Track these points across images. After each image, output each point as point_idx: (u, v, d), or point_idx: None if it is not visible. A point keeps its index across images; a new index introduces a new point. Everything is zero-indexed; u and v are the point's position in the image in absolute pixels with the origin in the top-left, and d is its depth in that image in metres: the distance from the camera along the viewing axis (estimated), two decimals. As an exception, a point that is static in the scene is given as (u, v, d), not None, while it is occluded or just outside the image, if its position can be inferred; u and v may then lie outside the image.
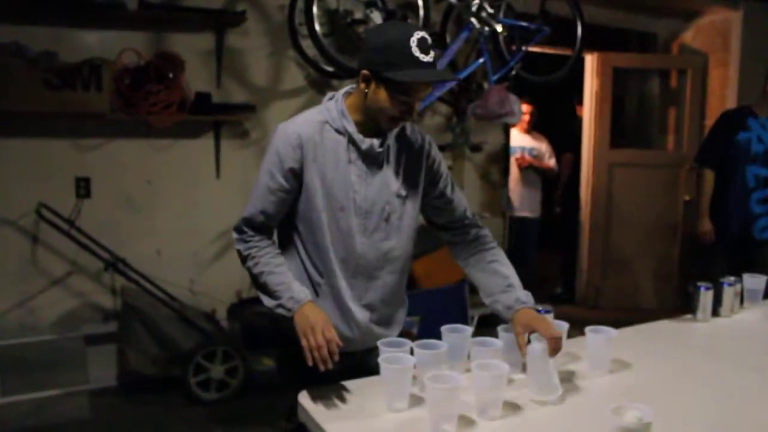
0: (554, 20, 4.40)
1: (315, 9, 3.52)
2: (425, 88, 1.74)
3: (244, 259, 1.85)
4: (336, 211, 1.79)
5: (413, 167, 1.89)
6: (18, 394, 3.41)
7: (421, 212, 1.97)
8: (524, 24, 4.26)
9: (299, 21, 3.82)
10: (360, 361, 1.87)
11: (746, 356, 2.11)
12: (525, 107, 5.20)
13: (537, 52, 4.85)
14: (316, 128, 1.79)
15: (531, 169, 5.38)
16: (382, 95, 1.72)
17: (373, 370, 1.68)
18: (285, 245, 1.91)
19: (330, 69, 4.10)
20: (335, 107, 1.82)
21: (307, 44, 3.88)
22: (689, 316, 2.44)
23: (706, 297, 2.41)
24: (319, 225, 1.80)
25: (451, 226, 2.01)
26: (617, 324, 2.02)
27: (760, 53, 4.06)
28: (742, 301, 2.57)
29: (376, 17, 3.72)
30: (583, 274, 5.88)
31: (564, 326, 1.92)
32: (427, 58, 1.67)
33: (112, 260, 3.64)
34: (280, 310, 1.76)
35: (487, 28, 4.05)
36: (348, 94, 1.86)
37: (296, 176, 1.78)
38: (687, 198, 5.50)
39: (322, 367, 1.64)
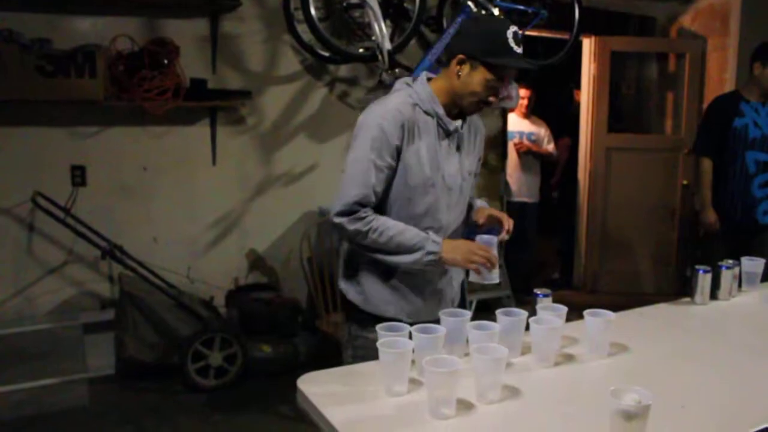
0: (552, 4, 4.37)
1: (311, -7, 3.50)
2: (513, 73, 1.98)
3: (364, 235, 1.90)
4: (428, 187, 1.95)
5: (476, 148, 2.11)
6: (15, 383, 3.40)
7: None
8: (521, 7, 4.24)
9: (295, 6, 3.80)
10: None
11: (744, 339, 2.12)
12: (523, 92, 5.18)
13: (534, 36, 4.82)
14: (411, 109, 1.93)
15: (529, 154, 5.37)
16: (476, 78, 1.89)
17: None
18: None
19: (326, 54, 4.08)
20: (424, 90, 1.96)
21: (303, 29, 3.86)
22: (687, 299, 2.44)
23: (704, 280, 2.41)
24: (413, 199, 1.95)
25: None
26: (616, 308, 2.01)
27: (759, 37, 4.03)
28: (740, 285, 2.57)
29: (372, 1, 3.69)
30: (581, 259, 5.89)
31: (562, 310, 1.92)
32: (519, 50, 1.88)
33: (108, 248, 3.62)
34: (429, 257, 1.90)
35: (483, 11, 4.03)
36: (428, 80, 1.99)
37: (399, 154, 1.91)
38: (685, 182, 5.49)
39: (493, 274, 1.92)
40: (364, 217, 1.89)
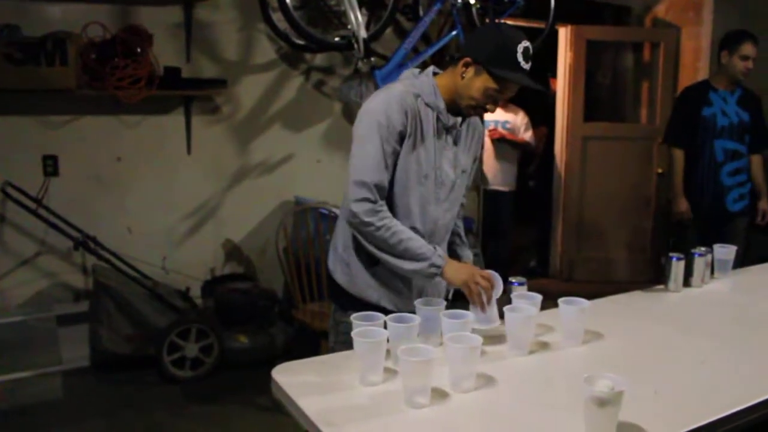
0: (528, -8, 4.37)
1: (285, -19, 3.47)
2: (514, 89, 1.93)
3: (376, 229, 1.87)
4: (421, 179, 1.95)
5: (473, 147, 2.10)
6: (-12, 376, 3.36)
7: None
8: (497, -4, 4.23)
9: (269, -7, 3.76)
10: None
11: (716, 325, 2.15)
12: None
13: (510, 25, 4.82)
14: (413, 99, 1.92)
15: (504, 143, 5.36)
16: (478, 84, 1.89)
17: None
18: None
19: (301, 42, 4.05)
20: (428, 83, 1.96)
21: (278, 17, 3.82)
22: (661, 286, 2.47)
23: (677, 267, 2.44)
24: (408, 190, 1.95)
25: None
26: (591, 296, 2.03)
27: (731, 26, 4.08)
28: (712, 272, 2.60)
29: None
30: (558, 247, 5.93)
31: (538, 298, 1.93)
32: (526, 66, 1.88)
33: (81, 239, 3.58)
34: (432, 269, 1.88)
35: (459, 1, 4.02)
36: (435, 74, 1.99)
37: (402, 140, 1.91)
38: (660, 171, 5.54)
39: (485, 310, 1.84)
40: (379, 211, 1.87)
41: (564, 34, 5.63)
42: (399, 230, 1.88)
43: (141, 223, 3.99)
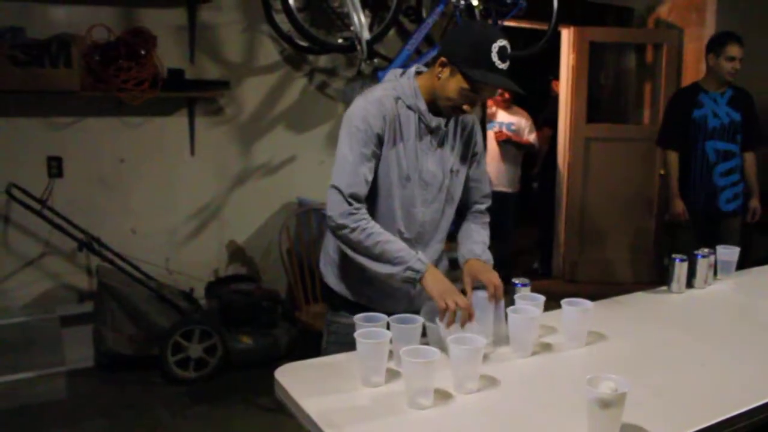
0: (530, -6, 4.37)
1: (288, -18, 3.48)
2: (491, 91, 1.94)
3: (350, 231, 1.85)
4: (403, 181, 1.93)
5: (464, 146, 2.05)
6: (-7, 376, 3.37)
7: None
8: (500, -3, 4.23)
9: (272, -5, 3.77)
10: None
11: (719, 327, 2.15)
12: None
13: (513, 26, 4.83)
14: (392, 102, 1.90)
15: (509, 144, 5.37)
16: (453, 85, 1.85)
17: None
18: None
19: (304, 44, 4.05)
20: (408, 84, 1.93)
21: (281, 19, 3.83)
22: (664, 288, 2.47)
23: (680, 269, 2.43)
24: (389, 193, 1.93)
25: (463, 207, 2.15)
26: (594, 297, 2.03)
27: (734, 27, 4.09)
28: (715, 273, 2.60)
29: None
30: (560, 249, 5.93)
31: (540, 299, 1.93)
32: (502, 66, 1.82)
33: (86, 240, 3.59)
34: (408, 273, 1.82)
35: (462, 2, 4.03)
36: (418, 73, 1.97)
37: (381, 144, 1.89)
38: (662, 172, 5.53)
39: (451, 328, 1.73)
40: (353, 214, 1.84)
41: (567, 35, 5.64)
42: (376, 232, 1.84)
43: (145, 224, 4.00)
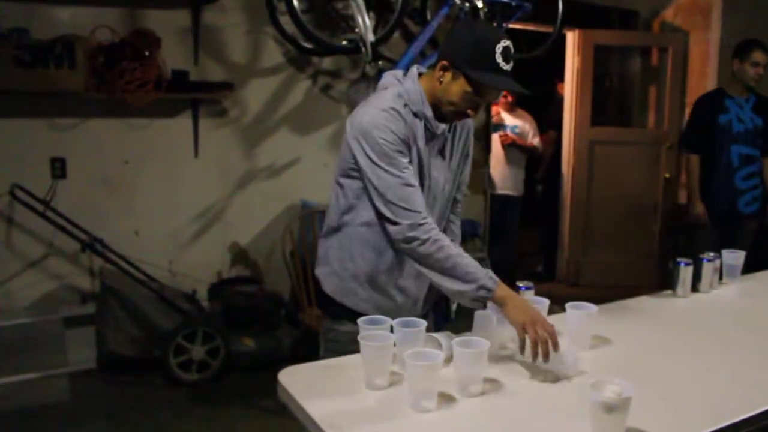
0: (535, -3, 4.37)
1: (293, -16, 3.47)
2: (496, 94, 1.88)
3: (421, 243, 1.76)
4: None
5: (460, 151, 2.00)
6: (-4, 378, 3.37)
7: None
8: (505, 0, 4.23)
9: (277, -3, 3.76)
10: None
11: (724, 331, 2.13)
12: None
13: (518, 29, 4.82)
14: (403, 110, 1.83)
15: (514, 147, 5.36)
16: (455, 89, 1.79)
17: None
18: (363, 216, 1.90)
19: (309, 46, 4.05)
20: (415, 90, 1.85)
21: (285, 20, 3.82)
22: (669, 291, 2.45)
23: (685, 273, 2.42)
24: None
25: None
26: (598, 301, 2.01)
27: (740, 30, 4.13)
28: (721, 277, 2.59)
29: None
30: (564, 252, 5.91)
31: (545, 303, 1.92)
32: (507, 67, 1.75)
33: (89, 241, 3.59)
34: (481, 292, 1.73)
35: (467, 5, 4.02)
36: (419, 75, 1.89)
37: (409, 148, 1.82)
38: (667, 176, 5.54)
39: (539, 360, 1.65)
40: (423, 224, 1.76)
41: (572, 38, 5.62)
42: (448, 245, 1.77)
43: (148, 226, 3.99)
